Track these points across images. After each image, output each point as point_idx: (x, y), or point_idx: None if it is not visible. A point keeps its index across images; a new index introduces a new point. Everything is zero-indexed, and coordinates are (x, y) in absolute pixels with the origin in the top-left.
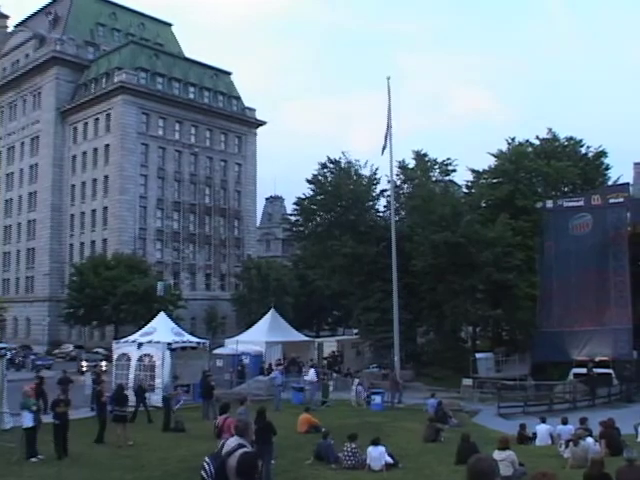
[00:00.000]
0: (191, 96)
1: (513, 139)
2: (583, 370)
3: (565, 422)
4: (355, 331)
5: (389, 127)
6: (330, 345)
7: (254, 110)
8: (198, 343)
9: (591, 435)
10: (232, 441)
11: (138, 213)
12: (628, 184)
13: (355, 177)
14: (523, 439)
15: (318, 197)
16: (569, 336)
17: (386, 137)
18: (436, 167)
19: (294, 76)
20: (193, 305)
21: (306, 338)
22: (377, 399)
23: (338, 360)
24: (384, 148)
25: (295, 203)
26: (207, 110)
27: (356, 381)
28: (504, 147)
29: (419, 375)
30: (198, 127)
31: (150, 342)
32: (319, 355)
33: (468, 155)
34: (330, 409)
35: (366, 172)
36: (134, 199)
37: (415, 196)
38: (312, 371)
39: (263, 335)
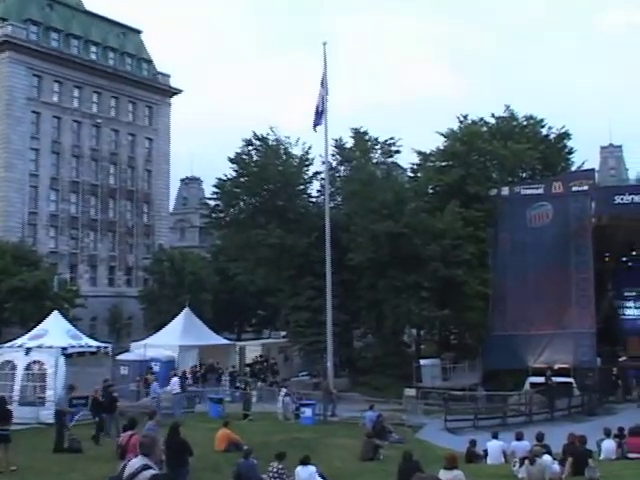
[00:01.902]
0: (93, 57)
1: (465, 117)
2: (540, 379)
3: (520, 438)
4: (283, 334)
5: (323, 98)
6: (254, 349)
7: (168, 76)
8: (99, 347)
9: (549, 452)
10: (136, 462)
11: (27, 194)
12: (593, 170)
13: (285, 157)
14: (473, 457)
15: (241, 179)
16: (525, 340)
17: (317, 110)
18: (377, 147)
19: (219, 41)
20: (93, 303)
21: (226, 341)
22: (307, 412)
23: (265, 366)
24: (316, 124)
25: (215, 185)
26: (112, 74)
27: (283, 391)
28: (455, 126)
29: (356, 384)
30: (101, 94)
31: (40, 347)
32: (241, 361)
33: (414, 134)
34: (253, 423)
35: (297, 151)
36: (23, 177)
37: (353, 180)
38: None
39: (176, 338)
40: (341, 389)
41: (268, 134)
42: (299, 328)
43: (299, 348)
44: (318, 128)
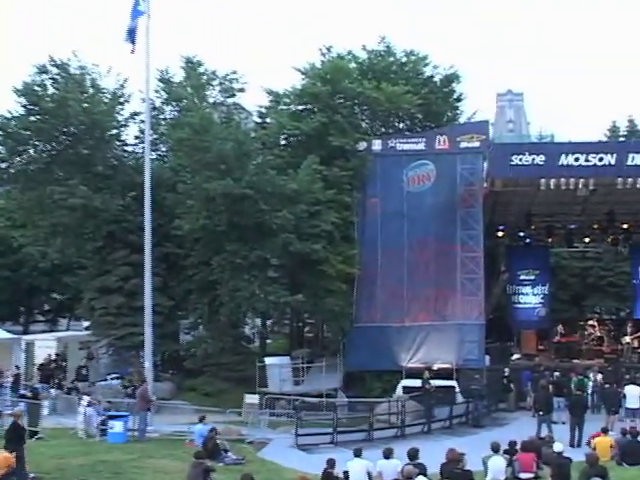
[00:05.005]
0: None
1: (329, 49)
2: (416, 382)
3: (389, 455)
4: (86, 324)
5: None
6: (46, 345)
7: None
8: None
9: (424, 473)
10: None
11: None
12: (487, 122)
13: (92, 90)
14: None
15: (32, 117)
16: (398, 334)
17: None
18: (215, 83)
19: None
20: None
21: (8, 335)
22: (117, 426)
23: (63, 366)
24: (130, 42)
25: None
26: None
27: (85, 400)
28: (317, 60)
29: (182, 389)
30: None
31: None
32: (28, 360)
33: (265, 69)
34: (44, 443)
35: (110, 84)
36: None
37: (182, 124)
38: None
39: None
40: (163, 396)
41: (70, 59)
42: (108, 317)
43: (108, 343)
44: (134, 50)
